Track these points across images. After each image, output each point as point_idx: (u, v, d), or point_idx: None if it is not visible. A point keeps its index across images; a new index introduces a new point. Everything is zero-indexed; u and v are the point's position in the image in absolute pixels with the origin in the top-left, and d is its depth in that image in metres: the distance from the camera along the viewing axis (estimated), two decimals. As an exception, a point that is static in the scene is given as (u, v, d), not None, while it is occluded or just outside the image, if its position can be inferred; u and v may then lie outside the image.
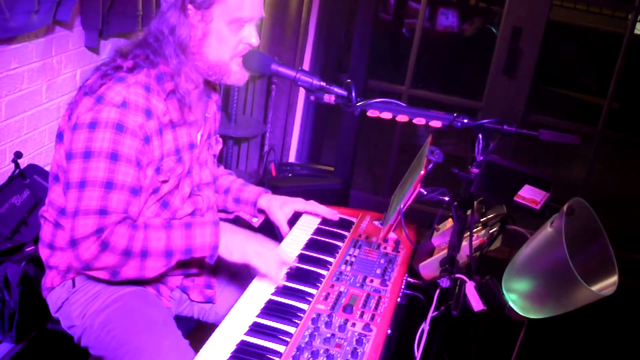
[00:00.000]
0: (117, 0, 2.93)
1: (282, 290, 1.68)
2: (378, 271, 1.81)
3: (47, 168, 2.73)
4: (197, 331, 2.03)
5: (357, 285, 1.74)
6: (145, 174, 1.66)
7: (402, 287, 1.80)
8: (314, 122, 4.07)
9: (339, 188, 3.61)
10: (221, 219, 2.07)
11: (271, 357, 1.44)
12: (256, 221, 2.09)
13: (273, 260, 1.69)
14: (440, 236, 1.82)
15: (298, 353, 1.44)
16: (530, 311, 1.59)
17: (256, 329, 1.53)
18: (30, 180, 2.62)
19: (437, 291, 1.67)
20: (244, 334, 1.51)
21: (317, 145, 4.17)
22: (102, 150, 1.57)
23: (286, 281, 1.72)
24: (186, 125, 1.75)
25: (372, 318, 1.59)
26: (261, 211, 2.07)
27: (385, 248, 1.94)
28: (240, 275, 1.98)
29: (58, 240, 1.76)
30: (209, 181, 1.92)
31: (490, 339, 2.35)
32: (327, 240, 1.97)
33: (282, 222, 2.02)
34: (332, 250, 1.90)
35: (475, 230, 1.75)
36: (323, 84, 1.75)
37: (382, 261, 1.87)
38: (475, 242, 1.72)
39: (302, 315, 1.58)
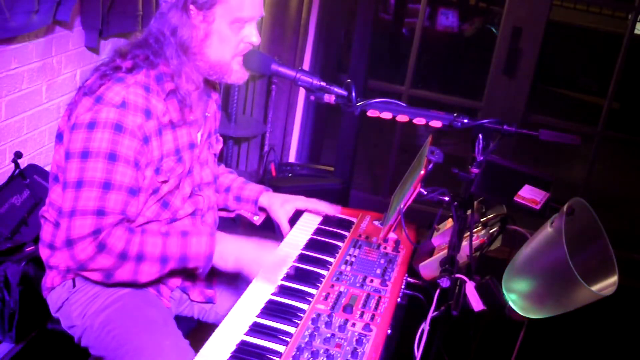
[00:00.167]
0: (117, 0, 2.93)
1: (282, 290, 1.68)
2: (378, 271, 1.81)
3: (47, 168, 2.73)
4: (197, 331, 2.03)
5: (357, 285, 1.74)
6: (144, 175, 1.66)
7: (402, 287, 1.80)
8: (314, 122, 4.07)
9: (339, 188, 3.61)
10: (222, 218, 2.07)
11: (271, 357, 1.44)
12: (257, 219, 2.09)
13: (268, 265, 1.69)
14: (440, 236, 1.82)
15: (298, 353, 1.44)
16: (530, 311, 1.59)
17: (256, 329, 1.53)
18: (30, 180, 2.62)
19: (437, 291, 1.67)
20: (244, 334, 1.51)
21: (317, 145, 4.17)
22: (101, 150, 1.57)
23: (286, 281, 1.72)
24: (186, 125, 1.75)
25: (372, 318, 1.59)
26: (262, 209, 2.07)
27: (385, 248, 1.94)
28: (240, 276, 1.98)
29: (58, 238, 1.76)
30: (210, 181, 1.92)
31: (490, 339, 2.35)
32: (327, 240, 1.97)
33: (282, 221, 2.02)
34: (332, 250, 1.90)
35: (475, 230, 1.75)
36: (323, 84, 1.75)
37: (382, 261, 1.87)
38: (475, 242, 1.72)
39: (302, 315, 1.58)
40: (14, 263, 2.32)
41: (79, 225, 1.55)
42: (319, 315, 1.58)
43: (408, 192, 1.63)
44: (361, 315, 1.60)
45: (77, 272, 1.68)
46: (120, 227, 1.59)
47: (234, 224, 3.13)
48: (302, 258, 1.86)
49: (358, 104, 1.71)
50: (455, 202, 1.66)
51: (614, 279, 1.51)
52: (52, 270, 1.80)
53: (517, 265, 1.62)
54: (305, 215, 2.11)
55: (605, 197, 5.08)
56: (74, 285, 1.77)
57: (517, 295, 1.60)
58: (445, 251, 1.70)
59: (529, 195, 1.62)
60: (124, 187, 1.59)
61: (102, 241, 1.56)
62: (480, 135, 1.60)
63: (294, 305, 1.63)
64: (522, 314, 1.59)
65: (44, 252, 1.79)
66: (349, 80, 1.72)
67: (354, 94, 1.71)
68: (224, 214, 2.12)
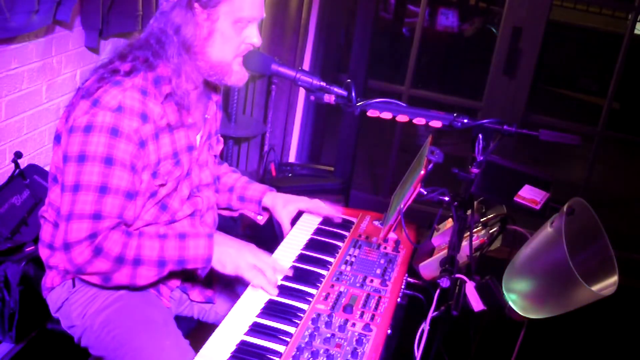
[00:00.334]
0: (117, 0, 2.93)
1: (282, 290, 1.68)
2: (378, 271, 1.81)
3: (47, 168, 2.72)
4: (197, 331, 2.03)
5: (357, 285, 1.74)
6: (140, 179, 1.66)
7: (402, 287, 1.80)
8: (314, 122, 4.07)
9: (339, 188, 3.61)
10: (222, 217, 2.07)
11: (271, 357, 1.44)
12: (261, 219, 2.09)
13: (266, 272, 1.68)
14: (440, 236, 1.82)
15: (298, 353, 1.44)
16: (530, 311, 1.59)
17: (256, 329, 1.53)
18: (30, 180, 2.62)
19: (437, 291, 1.67)
20: (244, 334, 1.51)
21: (317, 145, 4.18)
22: (97, 154, 1.57)
23: (286, 281, 1.72)
24: (184, 128, 1.75)
25: (372, 318, 1.59)
26: (266, 209, 2.07)
27: (385, 248, 1.94)
28: (239, 278, 1.98)
29: (57, 239, 1.76)
30: (209, 182, 1.91)
31: (490, 339, 2.35)
32: (327, 240, 1.97)
33: (284, 221, 2.02)
34: (332, 250, 1.90)
35: (475, 230, 1.75)
36: (323, 84, 1.75)
37: (382, 261, 1.87)
38: (475, 242, 1.72)
39: (302, 315, 1.58)
40: (14, 263, 2.32)
41: (76, 229, 1.55)
42: (319, 315, 1.58)
43: (408, 192, 1.63)
44: (361, 315, 1.60)
45: (75, 275, 1.67)
46: (117, 231, 1.60)
47: (234, 224, 3.14)
48: (302, 258, 1.86)
49: (358, 104, 1.71)
50: (455, 202, 1.66)
51: (614, 279, 1.51)
52: (51, 270, 1.80)
53: (517, 265, 1.62)
54: (305, 215, 2.11)
55: (605, 197, 5.08)
56: (74, 286, 1.77)
57: (517, 295, 1.60)
58: (445, 251, 1.70)
59: (529, 195, 1.62)
60: (121, 190, 1.59)
61: (98, 245, 1.56)
62: (480, 135, 1.60)
63: (294, 305, 1.63)
64: (522, 314, 1.59)
65: (43, 252, 1.79)
66: (349, 80, 1.72)
67: (354, 94, 1.71)
68: (227, 213, 2.12)
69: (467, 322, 1.75)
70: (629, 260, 3.85)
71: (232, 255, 1.68)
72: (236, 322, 1.55)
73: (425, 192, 1.64)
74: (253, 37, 1.70)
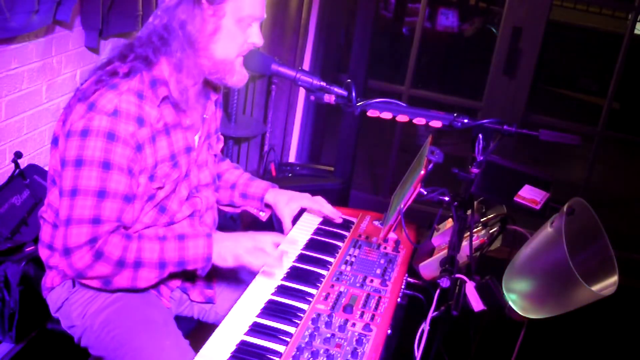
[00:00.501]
0: (117, 0, 2.93)
1: (282, 290, 1.68)
2: (378, 271, 1.81)
3: (47, 168, 2.73)
4: (197, 331, 2.03)
5: (357, 285, 1.74)
6: (138, 182, 1.65)
7: (402, 287, 1.80)
8: (314, 122, 4.07)
9: (339, 188, 3.61)
10: (222, 216, 2.07)
11: (271, 357, 1.44)
12: (263, 215, 2.09)
13: (266, 247, 1.68)
14: (440, 236, 1.82)
15: (298, 353, 1.44)
16: (530, 311, 1.59)
17: (256, 329, 1.53)
18: (30, 180, 2.62)
19: (437, 291, 1.67)
20: (244, 334, 1.51)
21: (317, 145, 4.18)
22: (94, 159, 1.56)
23: (286, 281, 1.72)
24: (182, 129, 1.74)
25: (372, 318, 1.59)
26: (268, 206, 2.06)
27: (385, 248, 1.94)
28: (240, 276, 1.98)
29: (56, 240, 1.76)
30: (208, 182, 1.91)
31: (490, 339, 2.35)
32: (327, 240, 1.97)
33: (286, 219, 2.01)
34: (332, 250, 1.90)
35: (475, 230, 1.75)
36: (323, 84, 1.75)
37: (382, 261, 1.87)
38: (475, 242, 1.72)
39: (302, 315, 1.58)
40: (14, 263, 2.32)
41: (75, 234, 1.55)
42: (319, 315, 1.58)
43: (408, 192, 1.63)
44: (361, 315, 1.60)
45: (76, 279, 1.67)
46: (117, 235, 1.60)
47: (234, 224, 3.14)
48: (302, 258, 1.86)
49: (358, 104, 1.71)
50: (455, 202, 1.66)
51: (614, 279, 1.51)
52: (51, 270, 1.80)
53: (517, 265, 1.62)
54: (305, 215, 2.11)
55: (605, 197, 5.08)
56: (74, 286, 1.77)
57: (517, 295, 1.60)
58: (445, 251, 1.70)
59: (529, 195, 1.62)
60: (119, 194, 1.59)
61: (98, 249, 1.56)
62: (480, 135, 1.60)
63: (294, 305, 1.63)
64: (522, 314, 1.59)
65: (43, 253, 1.79)
66: (349, 80, 1.72)
67: (354, 94, 1.71)
68: (230, 209, 2.12)
69: (467, 322, 1.75)
70: (629, 260, 3.85)
71: (230, 247, 1.68)
72: (236, 322, 1.55)
73: (425, 192, 1.64)
74: (256, 36, 1.70)
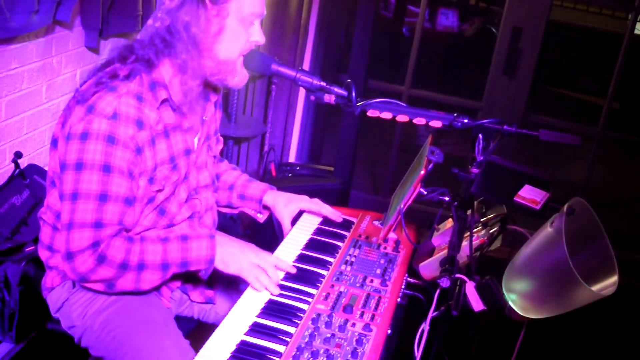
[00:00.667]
0: (117, 0, 2.93)
1: (282, 290, 1.68)
2: (378, 271, 1.81)
3: (47, 168, 2.73)
4: (197, 331, 2.03)
5: (357, 285, 1.74)
6: (137, 185, 1.65)
7: (402, 287, 1.80)
8: (314, 122, 4.07)
9: (339, 188, 3.61)
10: (221, 217, 2.07)
11: (271, 357, 1.44)
12: (261, 217, 2.09)
13: (268, 271, 1.69)
14: (440, 236, 1.82)
15: (298, 353, 1.44)
16: (530, 311, 1.59)
17: (256, 329, 1.53)
18: (30, 180, 2.62)
19: (437, 291, 1.67)
20: (244, 334, 1.51)
21: (317, 145, 4.18)
22: (95, 162, 1.56)
23: (286, 281, 1.72)
24: (181, 132, 1.74)
25: (372, 318, 1.59)
26: (266, 207, 2.06)
27: (385, 248, 1.94)
28: (240, 278, 1.98)
29: (56, 242, 1.76)
30: (208, 183, 1.91)
31: (490, 339, 2.35)
32: (327, 240, 1.97)
33: (285, 221, 2.01)
34: (332, 250, 1.90)
35: (475, 230, 1.75)
36: (323, 84, 1.75)
37: (382, 261, 1.87)
38: (475, 242, 1.72)
39: (302, 315, 1.58)
40: (14, 263, 2.32)
41: (78, 238, 1.55)
42: (319, 315, 1.58)
43: (408, 192, 1.63)
44: (361, 315, 1.60)
45: (79, 283, 1.67)
46: (119, 238, 1.60)
47: (234, 224, 3.14)
48: (302, 258, 1.86)
49: (358, 104, 1.71)
50: (455, 202, 1.66)
51: (614, 279, 1.51)
52: (52, 271, 1.80)
53: (517, 265, 1.62)
54: (305, 215, 2.11)
55: (605, 197, 5.08)
56: (74, 286, 1.77)
57: (517, 295, 1.59)
58: (445, 251, 1.70)
59: (529, 195, 1.62)
60: (120, 197, 1.59)
61: (101, 253, 1.56)
62: (480, 135, 1.60)
63: (294, 305, 1.63)
64: (522, 314, 1.59)
65: (43, 254, 1.79)
66: (349, 80, 1.72)
67: (354, 94, 1.71)
68: (227, 210, 2.12)
69: (467, 322, 1.75)
70: (629, 260, 3.85)
71: (235, 255, 1.68)
72: (236, 322, 1.55)
73: (425, 192, 1.64)
74: (259, 34, 1.70)
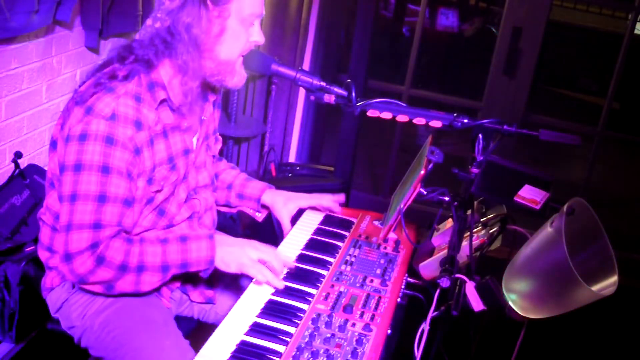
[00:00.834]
0: (117, 0, 2.94)
1: (282, 290, 1.68)
2: (378, 271, 1.81)
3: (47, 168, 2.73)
4: (197, 331, 2.03)
5: (357, 285, 1.74)
6: (136, 185, 1.65)
7: (402, 287, 1.80)
8: (314, 122, 4.07)
9: (339, 188, 3.61)
10: (221, 217, 2.07)
11: (271, 357, 1.44)
12: (260, 216, 2.08)
13: (272, 262, 1.69)
14: (440, 236, 1.82)
15: (298, 353, 1.44)
16: (530, 311, 1.59)
17: (256, 329, 1.53)
18: (30, 180, 2.62)
19: (437, 291, 1.67)
20: (244, 334, 1.51)
21: (317, 145, 4.18)
22: (93, 163, 1.56)
23: (286, 281, 1.72)
24: (180, 132, 1.74)
25: (372, 318, 1.59)
26: (265, 206, 2.06)
27: (385, 248, 1.94)
28: (240, 276, 1.98)
29: (56, 243, 1.75)
30: (207, 183, 1.91)
31: (490, 339, 2.35)
32: (327, 240, 1.97)
33: (285, 220, 2.01)
34: (332, 250, 1.90)
35: (475, 230, 1.75)
36: (323, 84, 1.75)
37: (382, 261, 1.87)
38: (475, 242, 1.72)
39: (302, 315, 1.58)
40: (14, 263, 2.32)
41: (76, 240, 1.55)
42: (319, 315, 1.58)
43: (408, 192, 1.63)
44: (361, 315, 1.60)
45: (78, 285, 1.67)
46: (118, 239, 1.59)
47: (233, 224, 3.14)
48: (302, 258, 1.86)
49: (358, 104, 1.71)
50: (455, 202, 1.66)
51: (614, 279, 1.51)
52: (51, 271, 1.80)
53: (517, 265, 1.62)
54: (305, 215, 2.11)
55: (605, 197, 5.08)
56: (74, 286, 1.77)
57: (517, 295, 1.60)
58: (445, 251, 1.70)
59: (529, 195, 1.62)
60: (119, 198, 1.59)
61: (100, 254, 1.56)
62: (480, 135, 1.60)
63: (294, 305, 1.63)
64: (522, 314, 1.59)
65: (42, 254, 1.79)
66: (349, 80, 1.72)
67: (354, 94, 1.71)
68: (226, 210, 2.12)
69: (467, 322, 1.75)
70: (629, 260, 3.85)
71: (235, 254, 1.68)
72: (236, 322, 1.55)
73: (425, 192, 1.64)
74: (259, 34, 1.70)
